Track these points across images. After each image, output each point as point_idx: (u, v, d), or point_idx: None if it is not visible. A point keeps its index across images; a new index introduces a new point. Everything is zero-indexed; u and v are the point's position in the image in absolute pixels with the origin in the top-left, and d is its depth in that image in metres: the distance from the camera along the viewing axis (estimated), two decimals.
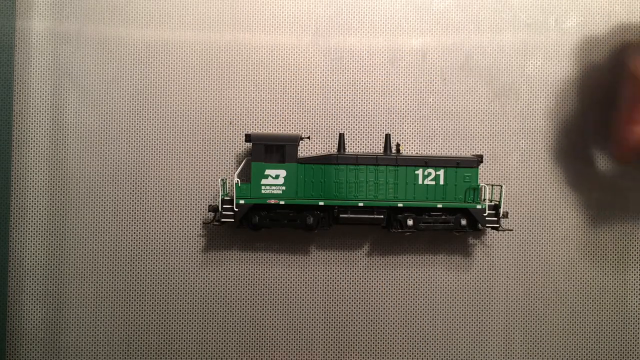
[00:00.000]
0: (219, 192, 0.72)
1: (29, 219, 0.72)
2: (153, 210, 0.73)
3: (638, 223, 0.74)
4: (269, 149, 0.67)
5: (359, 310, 0.73)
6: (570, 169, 0.73)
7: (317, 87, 0.74)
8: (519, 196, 0.74)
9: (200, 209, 0.73)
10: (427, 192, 0.68)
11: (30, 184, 0.72)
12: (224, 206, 0.67)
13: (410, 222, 0.67)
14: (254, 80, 0.73)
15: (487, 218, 0.68)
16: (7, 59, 0.71)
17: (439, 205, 0.68)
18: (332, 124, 0.73)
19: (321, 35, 0.74)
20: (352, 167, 0.67)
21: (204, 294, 0.73)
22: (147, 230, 0.73)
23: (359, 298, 0.73)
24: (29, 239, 0.72)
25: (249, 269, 0.73)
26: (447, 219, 0.68)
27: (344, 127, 0.73)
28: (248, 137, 0.68)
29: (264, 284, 0.73)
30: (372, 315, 0.73)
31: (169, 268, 0.73)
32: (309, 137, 0.73)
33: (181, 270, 0.73)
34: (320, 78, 0.74)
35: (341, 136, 0.69)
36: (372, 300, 0.73)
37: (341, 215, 0.67)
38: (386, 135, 0.70)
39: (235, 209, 0.67)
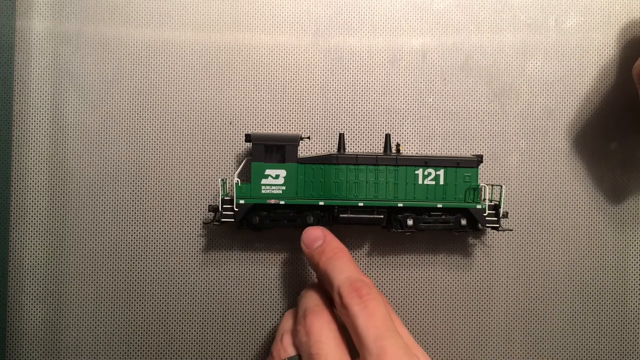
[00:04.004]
0: (219, 192, 0.72)
1: (29, 219, 0.72)
2: (153, 211, 0.73)
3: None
4: (269, 149, 0.67)
5: None
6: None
7: (317, 87, 0.74)
8: (519, 196, 0.74)
9: (200, 209, 0.73)
10: (427, 192, 0.68)
11: (30, 184, 0.72)
12: (224, 206, 0.67)
13: (410, 222, 0.68)
14: (254, 80, 0.73)
15: (487, 218, 0.68)
16: (7, 59, 0.71)
17: (439, 205, 0.68)
18: (332, 124, 0.73)
19: (321, 35, 0.74)
20: (352, 167, 0.67)
21: (204, 294, 0.73)
22: (147, 230, 0.73)
23: None
24: (29, 239, 0.72)
25: (249, 269, 0.73)
26: (447, 219, 0.68)
27: (344, 127, 0.73)
28: (248, 137, 0.68)
29: (264, 284, 0.73)
30: None
31: (169, 268, 0.73)
32: (309, 137, 0.73)
33: (181, 270, 0.73)
34: (320, 78, 0.74)
35: (341, 136, 0.69)
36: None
37: (341, 215, 0.67)
38: (386, 135, 0.70)
39: (236, 209, 0.67)
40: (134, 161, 0.73)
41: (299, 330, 0.58)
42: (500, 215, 0.68)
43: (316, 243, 0.63)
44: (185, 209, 0.73)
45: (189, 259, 0.73)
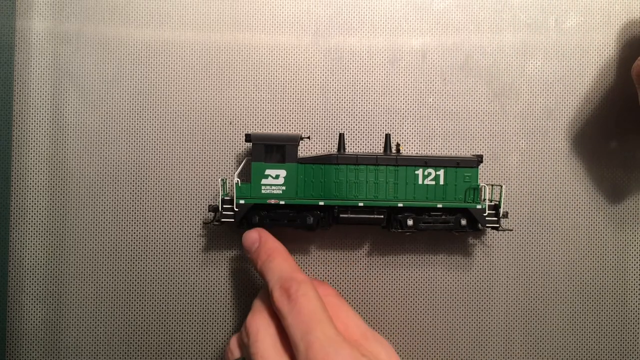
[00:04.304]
0: (219, 192, 0.72)
1: (29, 219, 0.72)
2: (153, 211, 0.73)
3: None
4: (269, 149, 0.67)
5: (359, 309, 0.73)
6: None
7: (317, 87, 0.74)
8: (519, 196, 0.74)
9: (200, 209, 0.73)
10: (427, 192, 0.68)
11: (30, 184, 0.72)
12: (224, 206, 0.67)
13: (410, 222, 0.67)
14: (254, 80, 0.73)
15: (487, 218, 0.68)
16: (7, 59, 0.71)
17: (439, 205, 0.68)
18: (332, 124, 0.73)
19: (321, 35, 0.74)
20: (352, 167, 0.67)
21: (204, 294, 0.73)
22: (147, 230, 0.73)
23: (359, 298, 0.73)
24: (29, 239, 0.72)
25: (249, 269, 0.73)
26: (447, 219, 0.68)
27: (344, 127, 0.73)
28: (248, 137, 0.68)
29: (263, 284, 0.73)
30: (372, 315, 0.73)
31: (169, 268, 0.73)
32: (309, 137, 0.73)
33: (181, 270, 0.73)
34: (320, 78, 0.74)
35: (341, 136, 0.69)
36: (372, 300, 0.73)
37: (341, 215, 0.67)
38: (386, 135, 0.70)
39: (236, 209, 0.67)
40: (134, 161, 0.73)
41: (242, 332, 0.59)
42: (500, 215, 0.68)
43: (254, 246, 0.64)
44: (185, 209, 0.73)
45: (189, 259, 0.73)
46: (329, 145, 0.73)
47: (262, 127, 0.73)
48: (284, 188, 0.67)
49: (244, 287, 0.73)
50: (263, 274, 0.61)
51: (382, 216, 0.68)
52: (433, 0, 0.74)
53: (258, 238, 0.64)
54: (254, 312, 0.60)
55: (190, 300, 0.73)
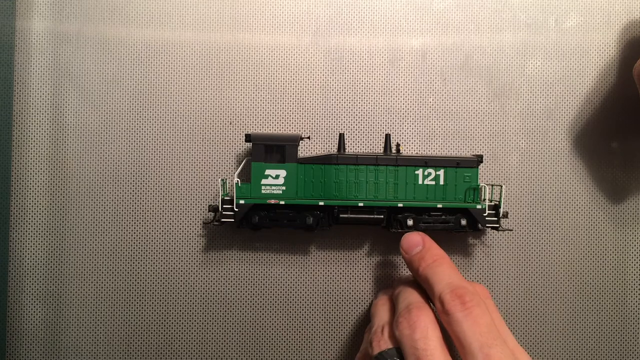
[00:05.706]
0: (219, 192, 0.72)
1: (29, 219, 0.72)
2: (153, 211, 0.73)
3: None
4: (269, 149, 0.67)
5: (359, 310, 0.73)
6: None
7: (317, 87, 0.74)
8: (519, 196, 0.74)
9: (200, 209, 0.73)
10: (427, 192, 0.68)
11: (30, 184, 0.72)
12: (224, 206, 0.67)
13: (410, 222, 0.67)
14: (254, 80, 0.73)
15: (487, 218, 0.68)
16: (7, 59, 0.71)
17: (439, 205, 0.68)
18: (332, 124, 0.73)
19: (321, 35, 0.74)
20: (352, 167, 0.67)
21: (204, 294, 0.73)
22: (147, 230, 0.73)
23: (359, 298, 0.73)
24: (29, 239, 0.72)
25: (249, 269, 0.73)
26: (447, 219, 0.68)
27: (344, 127, 0.73)
28: (248, 137, 0.68)
29: (264, 284, 0.73)
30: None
31: (169, 268, 0.73)
32: (309, 137, 0.73)
33: (181, 270, 0.73)
34: (320, 78, 0.74)
35: (341, 136, 0.69)
36: (372, 300, 0.73)
37: (341, 215, 0.67)
38: (386, 135, 0.70)
39: (236, 209, 0.67)
40: (134, 161, 0.73)
41: (400, 322, 0.57)
42: (500, 215, 0.68)
43: (415, 249, 0.63)
44: (185, 209, 0.73)
45: (189, 259, 0.73)
46: (329, 145, 0.73)
47: (262, 127, 0.73)
48: (283, 188, 0.67)
49: (244, 287, 0.73)
50: (427, 276, 0.60)
51: (382, 216, 0.68)
52: (433, 0, 0.74)
53: (422, 242, 0.64)
54: (419, 307, 0.58)
55: (190, 300, 0.73)
